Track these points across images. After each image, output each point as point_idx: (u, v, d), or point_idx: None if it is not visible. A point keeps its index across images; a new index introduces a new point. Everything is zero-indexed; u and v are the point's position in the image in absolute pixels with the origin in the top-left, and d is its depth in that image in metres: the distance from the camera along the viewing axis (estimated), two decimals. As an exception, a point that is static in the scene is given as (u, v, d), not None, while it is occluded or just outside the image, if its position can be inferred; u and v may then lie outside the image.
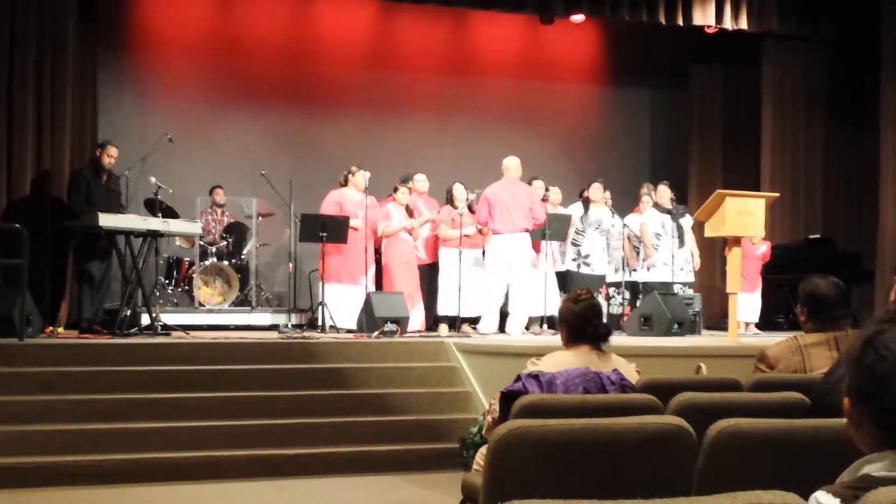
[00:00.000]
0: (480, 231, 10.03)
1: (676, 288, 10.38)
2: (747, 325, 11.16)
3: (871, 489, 1.51)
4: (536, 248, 10.22)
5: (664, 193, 10.77)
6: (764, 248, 11.19)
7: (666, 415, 3.16)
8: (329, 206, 9.91)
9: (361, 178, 9.98)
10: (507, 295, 9.88)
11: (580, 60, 14.01)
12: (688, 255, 10.75)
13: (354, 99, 12.87)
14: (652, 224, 10.65)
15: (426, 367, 8.01)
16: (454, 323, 9.84)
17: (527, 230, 9.77)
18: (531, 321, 10.42)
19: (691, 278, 10.78)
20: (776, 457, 2.58)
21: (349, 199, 9.97)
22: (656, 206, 10.78)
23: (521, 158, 12.46)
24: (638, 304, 10.37)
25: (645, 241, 10.67)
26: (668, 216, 10.65)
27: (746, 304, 10.86)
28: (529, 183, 10.47)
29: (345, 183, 10.15)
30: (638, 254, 10.85)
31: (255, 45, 12.53)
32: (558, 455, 2.61)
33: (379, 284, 10.06)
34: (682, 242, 10.64)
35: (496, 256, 9.73)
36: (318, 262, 9.94)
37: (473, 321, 10.09)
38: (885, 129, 12.04)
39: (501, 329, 9.89)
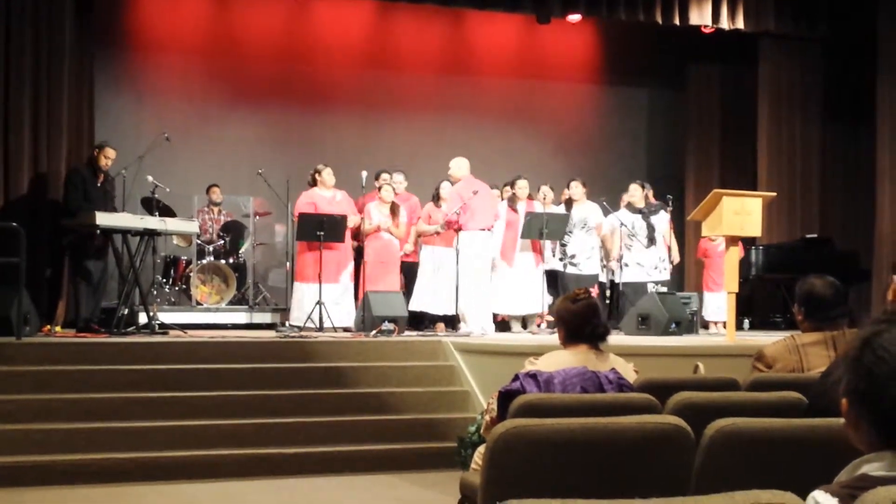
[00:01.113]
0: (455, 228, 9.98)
1: (650, 287, 10.34)
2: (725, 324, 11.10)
3: (869, 489, 1.52)
4: (534, 246, 10.25)
5: (635, 192, 10.75)
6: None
7: (664, 414, 3.17)
8: (303, 208, 9.87)
9: (328, 175, 10.06)
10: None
11: (577, 60, 14.02)
12: (661, 254, 10.69)
13: (351, 98, 12.87)
14: (609, 224, 10.65)
15: (424, 366, 8.02)
16: (451, 321, 9.84)
17: (490, 227, 9.92)
18: (528, 320, 10.43)
19: (666, 277, 10.72)
20: (774, 456, 2.59)
21: (321, 198, 9.98)
22: (629, 205, 10.77)
23: (518, 157, 12.54)
24: (608, 302, 10.45)
25: (606, 241, 10.70)
26: (639, 215, 10.64)
27: (723, 304, 10.85)
28: (513, 182, 10.54)
29: (313, 182, 10.14)
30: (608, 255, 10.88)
31: (253, 45, 12.52)
32: (556, 454, 2.62)
33: (358, 282, 10.03)
34: (651, 242, 10.59)
35: (464, 254, 9.74)
36: (306, 261, 9.87)
37: (447, 320, 10.04)
38: (882, 128, 12.06)
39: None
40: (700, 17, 11.97)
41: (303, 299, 9.74)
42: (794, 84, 12.95)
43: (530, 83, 13.64)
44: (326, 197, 10.00)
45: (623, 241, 10.53)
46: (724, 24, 12.08)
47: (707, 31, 12.35)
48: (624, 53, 13.75)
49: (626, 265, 10.49)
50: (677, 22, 11.91)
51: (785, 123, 12.91)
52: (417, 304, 10.04)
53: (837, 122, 13.06)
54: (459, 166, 10.12)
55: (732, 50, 13.18)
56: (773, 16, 12.33)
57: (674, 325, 9.54)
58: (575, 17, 12.27)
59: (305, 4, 12.45)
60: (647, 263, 10.49)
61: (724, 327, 11.07)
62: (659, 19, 11.83)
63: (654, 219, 10.59)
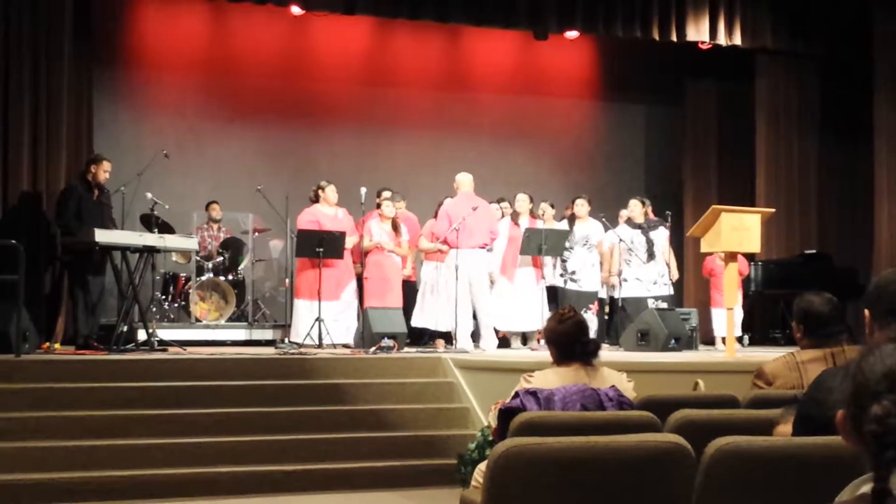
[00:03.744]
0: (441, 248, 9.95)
1: (650, 302, 10.33)
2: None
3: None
4: (534, 262, 10.25)
5: (635, 208, 10.78)
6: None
7: (664, 432, 3.17)
8: (306, 224, 9.84)
9: (332, 193, 10.04)
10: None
11: (574, 76, 14.07)
12: (661, 269, 10.70)
13: (350, 115, 12.90)
14: (609, 241, 10.69)
15: (423, 382, 8.00)
16: (450, 338, 9.83)
17: (484, 245, 9.83)
18: (528, 336, 10.42)
19: (666, 292, 10.71)
20: (775, 475, 2.59)
21: (324, 215, 9.97)
22: (628, 221, 10.80)
23: (516, 174, 12.57)
24: (606, 318, 10.47)
25: (605, 257, 10.73)
26: (638, 231, 10.66)
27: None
28: (513, 197, 10.56)
29: (316, 199, 10.12)
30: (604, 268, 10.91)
31: (251, 62, 12.56)
32: (557, 473, 2.62)
33: (361, 300, 10.02)
34: (650, 257, 10.61)
35: (456, 271, 9.71)
36: (306, 278, 9.84)
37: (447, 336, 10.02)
38: (878, 144, 12.09)
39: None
40: (697, 33, 12.00)
41: (302, 316, 9.72)
42: (791, 100, 12.98)
43: (528, 100, 13.68)
44: (329, 214, 9.99)
45: (622, 257, 10.56)
46: (722, 40, 12.12)
47: (704, 47, 12.38)
48: (621, 70, 13.79)
49: (626, 280, 10.51)
50: (674, 38, 11.94)
51: (782, 139, 12.93)
52: (418, 320, 10.03)
53: (834, 138, 13.08)
54: (460, 182, 10.06)
55: (729, 66, 13.21)
56: (769, 32, 12.37)
57: (673, 341, 9.55)
58: (572, 34, 12.30)
59: (304, 21, 12.47)
60: (646, 278, 10.51)
61: (738, 343, 11.12)
62: (656, 35, 11.86)
63: (652, 234, 10.62)
